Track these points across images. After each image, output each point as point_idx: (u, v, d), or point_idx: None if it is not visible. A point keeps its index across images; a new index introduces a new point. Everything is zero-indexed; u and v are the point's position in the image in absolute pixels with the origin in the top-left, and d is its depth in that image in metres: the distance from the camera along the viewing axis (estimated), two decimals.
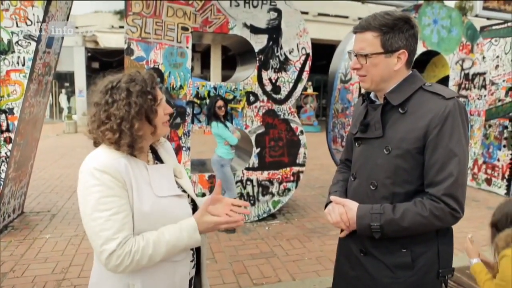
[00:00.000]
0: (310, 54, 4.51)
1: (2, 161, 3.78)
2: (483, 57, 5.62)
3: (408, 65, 1.29)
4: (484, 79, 5.63)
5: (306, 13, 13.77)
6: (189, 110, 4.27)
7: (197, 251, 1.37)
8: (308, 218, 4.77)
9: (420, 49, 5.08)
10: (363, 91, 1.43)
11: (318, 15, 14.12)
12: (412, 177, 1.23)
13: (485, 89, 5.65)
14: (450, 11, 5.28)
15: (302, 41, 4.46)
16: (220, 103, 4.13)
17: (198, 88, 4.28)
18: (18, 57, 3.69)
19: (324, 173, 7.25)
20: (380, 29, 1.22)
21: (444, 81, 5.65)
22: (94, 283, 1.24)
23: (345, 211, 1.28)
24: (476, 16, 17.14)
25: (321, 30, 13.36)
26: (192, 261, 1.32)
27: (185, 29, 4.09)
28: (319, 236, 4.15)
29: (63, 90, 18.89)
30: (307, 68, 4.53)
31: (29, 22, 3.68)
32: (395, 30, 1.22)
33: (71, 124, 14.31)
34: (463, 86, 5.62)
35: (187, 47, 4.14)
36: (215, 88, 4.35)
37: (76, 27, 17.34)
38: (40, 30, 3.72)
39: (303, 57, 4.50)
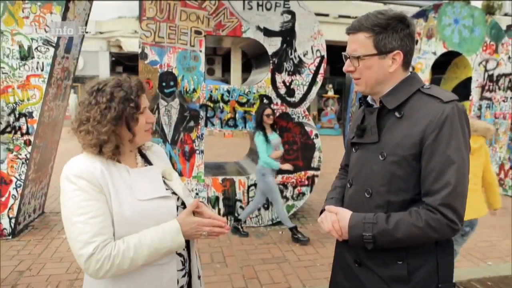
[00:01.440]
0: (325, 56, 4.45)
1: (22, 163, 3.91)
2: (509, 57, 5.39)
3: (405, 67, 1.22)
4: (510, 80, 5.39)
5: (327, 15, 13.66)
6: (202, 113, 4.29)
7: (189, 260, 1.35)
8: None
9: (440, 49, 4.93)
10: (360, 94, 1.37)
11: (338, 17, 13.96)
12: (408, 185, 1.17)
13: (511, 90, 5.42)
14: (472, 10, 5.09)
15: (317, 43, 4.40)
16: (268, 111, 4.02)
17: (211, 92, 4.30)
18: (37, 62, 3.80)
19: None
20: (373, 29, 1.16)
21: (467, 82, 5.45)
22: (90, 285, 1.24)
23: (338, 219, 1.22)
24: (506, 15, 16.51)
25: (342, 32, 13.17)
26: (182, 269, 1.30)
27: (198, 33, 4.12)
28: (333, 242, 4.04)
29: None
30: (321, 70, 4.47)
31: (47, 29, 3.79)
32: (389, 30, 1.16)
33: None
34: (486, 88, 5.41)
35: (200, 51, 4.16)
36: (228, 91, 4.35)
37: (101, 33, 17.89)
38: (58, 36, 3.82)
39: (317, 60, 4.44)
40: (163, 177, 1.32)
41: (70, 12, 3.95)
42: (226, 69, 19.79)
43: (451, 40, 4.96)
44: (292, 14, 4.29)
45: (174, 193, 1.30)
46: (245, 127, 4.45)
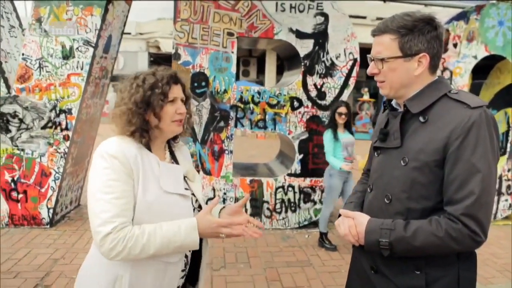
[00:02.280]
0: (358, 59, 4.36)
1: (61, 157, 4.11)
2: None
3: (432, 70, 1.18)
4: None
5: (364, 17, 13.39)
6: (232, 114, 4.33)
7: (196, 263, 1.37)
8: None
9: (482, 53, 4.70)
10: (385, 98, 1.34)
11: (376, 19, 13.64)
12: (429, 192, 1.12)
13: None
14: None
15: (350, 46, 4.33)
16: (342, 109, 3.86)
17: (242, 93, 4.33)
18: (78, 62, 4.00)
19: None
20: (398, 31, 1.13)
21: (510, 88, 5.16)
22: (85, 267, 1.28)
23: (355, 224, 1.19)
24: None
25: None
26: (183, 271, 1.32)
27: (230, 34, 4.17)
28: None
29: None
30: (354, 73, 4.38)
31: (88, 30, 3.97)
32: (415, 32, 1.12)
33: None
34: None
35: (232, 52, 4.21)
36: (259, 93, 4.37)
37: (141, 34, 18.50)
38: (98, 37, 4.00)
39: (350, 63, 4.36)
40: (186, 177, 1.35)
41: (109, 14, 4.12)
42: (261, 70, 19.86)
43: (494, 43, 4.71)
44: (325, 16, 4.24)
45: (193, 194, 1.33)
46: (275, 128, 4.45)
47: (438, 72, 4.17)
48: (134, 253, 1.13)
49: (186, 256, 1.32)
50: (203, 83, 4.23)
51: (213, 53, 4.17)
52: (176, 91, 1.28)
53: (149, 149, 1.26)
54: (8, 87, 4.01)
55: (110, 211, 1.11)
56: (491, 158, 1.07)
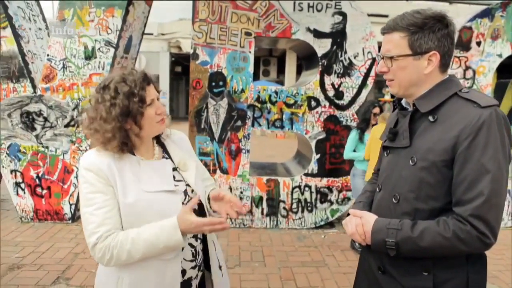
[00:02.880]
0: (377, 58, 4.30)
1: (83, 154, 4.23)
2: None
3: (443, 69, 1.16)
4: None
5: (386, 16, 13.15)
6: (249, 113, 4.35)
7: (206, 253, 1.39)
8: None
9: (507, 51, 4.55)
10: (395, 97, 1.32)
11: None
12: (437, 193, 1.11)
13: None
14: None
15: (368, 45, 4.28)
16: (377, 110, 3.85)
17: (259, 92, 4.34)
18: (99, 62, 4.11)
19: None
20: (408, 28, 1.11)
21: None
22: (98, 272, 1.34)
23: (362, 223, 1.19)
24: None
25: None
26: (192, 261, 1.33)
27: (248, 34, 4.19)
28: None
29: None
30: (372, 73, 4.33)
31: (109, 31, 4.08)
32: (425, 30, 1.10)
33: None
34: None
35: (250, 52, 4.23)
36: (276, 93, 4.37)
37: (163, 34, 18.78)
38: (118, 37, 4.10)
39: (368, 62, 4.31)
40: (177, 168, 1.35)
41: (130, 15, 4.21)
42: (281, 70, 19.83)
43: None
44: (344, 15, 4.21)
45: (188, 185, 1.34)
46: (292, 128, 4.44)
47: (460, 71, 4.05)
48: (122, 259, 1.16)
49: (193, 247, 1.34)
50: (221, 83, 4.27)
51: (230, 52, 4.21)
52: (151, 92, 1.26)
53: (132, 152, 1.26)
54: (34, 87, 4.16)
55: (94, 222, 1.15)
56: (502, 159, 1.04)
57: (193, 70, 4.24)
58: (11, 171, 4.23)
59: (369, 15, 4.58)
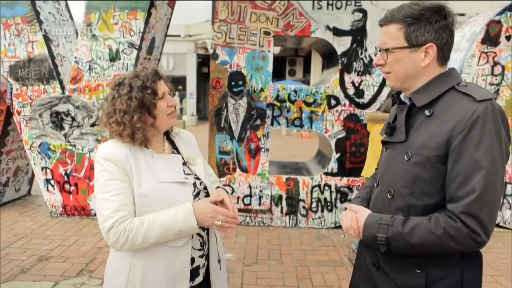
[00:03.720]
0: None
1: None
2: None
3: (442, 62, 1.13)
4: None
5: None
6: (269, 112, 4.37)
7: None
8: None
9: None
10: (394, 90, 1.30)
11: None
12: (431, 189, 1.08)
13: None
14: None
15: None
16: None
17: (278, 91, 4.35)
18: (123, 63, 4.25)
19: None
20: (404, 20, 1.09)
21: None
22: (109, 260, 1.40)
23: (356, 218, 1.18)
24: None
25: None
26: (200, 250, 1.38)
27: (267, 33, 4.21)
28: None
29: (177, 93, 20.89)
30: None
31: (132, 33, 4.21)
32: (421, 21, 1.08)
33: (179, 124, 15.77)
34: None
35: (269, 51, 4.25)
36: (295, 91, 4.37)
37: (190, 36, 19.10)
38: (141, 39, 4.23)
39: None
40: (187, 162, 1.41)
41: (152, 17, 4.33)
42: (307, 70, 19.72)
43: None
44: (364, 12, 4.15)
45: (197, 178, 1.39)
46: (311, 127, 4.43)
47: (488, 67, 3.90)
48: (136, 243, 1.21)
49: (201, 236, 1.39)
50: (240, 82, 4.31)
51: (250, 52, 4.24)
52: (162, 86, 1.34)
53: (145, 145, 1.33)
54: (62, 88, 4.36)
55: (110, 207, 1.21)
56: (497, 155, 1.01)
57: (213, 69, 4.31)
58: (42, 168, 4.45)
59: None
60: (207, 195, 1.41)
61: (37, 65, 4.32)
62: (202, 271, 1.42)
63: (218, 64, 4.27)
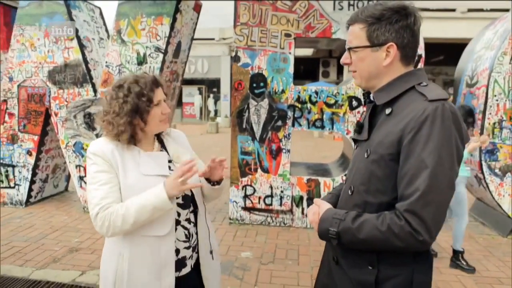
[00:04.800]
0: (423, 55, 4.11)
1: None
2: None
3: (405, 61, 1.14)
4: None
5: (453, 10, 12.31)
6: (290, 113, 4.41)
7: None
8: None
9: None
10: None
11: (468, 11, 12.43)
12: (385, 187, 1.10)
13: None
14: None
15: None
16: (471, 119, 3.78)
17: (299, 92, 4.38)
18: (150, 67, 4.45)
19: None
20: (366, 20, 1.12)
21: None
22: (103, 250, 1.51)
23: (318, 211, 1.21)
24: None
25: (473, 28, 11.73)
26: (186, 241, 1.46)
27: (288, 35, 4.26)
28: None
29: (211, 95, 21.32)
30: None
31: (158, 38, 4.40)
32: (382, 21, 1.10)
33: (213, 125, 16.08)
34: None
35: (290, 53, 4.29)
36: (316, 93, 4.38)
37: (224, 39, 19.43)
38: (167, 43, 4.41)
39: None
40: (172, 160, 1.50)
41: (177, 22, 4.51)
42: (341, 71, 19.46)
43: None
44: None
45: None
46: (332, 128, 4.41)
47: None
48: (117, 225, 1.31)
49: (186, 228, 1.47)
50: (262, 84, 4.38)
51: (271, 54, 4.31)
52: (159, 94, 1.43)
53: (134, 143, 1.44)
54: (95, 91, 4.63)
55: (98, 196, 1.32)
56: (445, 154, 1.01)
57: (235, 72, 4.42)
58: (76, 166, 4.75)
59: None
60: (192, 194, 1.51)
61: (72, 69, 4.62)
62: (190, 262, 1.50)
63: (240, 67, 4.37)
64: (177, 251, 1.45)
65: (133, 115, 1.38)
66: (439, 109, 1.01)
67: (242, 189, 4.56)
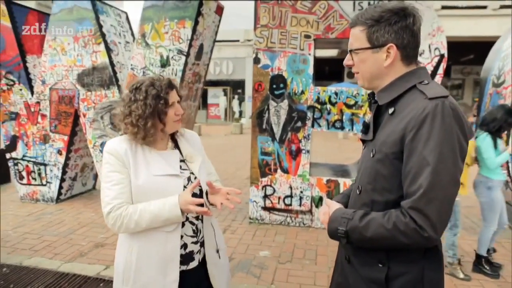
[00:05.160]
0: (445, 55, 4.03)
1: None
2: None
3: (407, 61, 1.17)
4: None
5: (484, 7, 11.88)
6: (309, 114, 4.42)
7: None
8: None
9: None
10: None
11: (500, 7, 11.97)
12: (391, 185, 1.12)
13: None
14: None
15: (435, 41, 4.03)
16: None
17: (319, 93, 4.39)
18: (172, 69, 4.59)
19: None
20: (366, 22, 1.15)
21: None
22: (117, 243, 1.60)
23: (328, 212, 1.25)
24: None
25: (504, 25, 11.29)
26: (193, 237, 1.53)
27: (307, 36, 4.28)
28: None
29: (236, 96, 21.49)
30: (440, 71, 4.06)
31: (181, 41, 4.53)
32: (381, 23, 1.12)
33: (237, 126, 16.21)
34: None
35: (309, 54, 4.31)
36: (336, 94, 4.37)
37: (249, 40, 19.55)
38: (189, 46, 4.53)
39: (436, 59, 4.06)
40: (185, 159, 1.56)
41: (199, 25, 4.62)
42: None
43: None
44: None
45: (192, 173, 1.55)
46: (352, 129, 4.39)
47: None
48: (130, 227, 1.40)
49: (194, 224, 1.54)
50: (281, 85, 4.42)
51: (290, 55, 4.34)
52: (173, 96, 1.50)
53: (152, 143, 1.50)
54: (120, 92, 4.81)
55: (110, 195, 1.40)
56: (447, 151, 1.02)
57: (255, 73, 4.47)
58: None
59: (442, 7, 4.30)
60: (200, 188, 1.56)
61: (99, 72, 4.82)
62: (198, 257, 1.56)
63: (260, 68, 4.43)
64: (185, 246, 1.52)
65: (154, 117, 1.45)
66: (439, 107, 1.03)
67: (262, 189, 4.61)
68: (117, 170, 1.44)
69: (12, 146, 5.30)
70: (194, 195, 1.51)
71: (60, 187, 5.27)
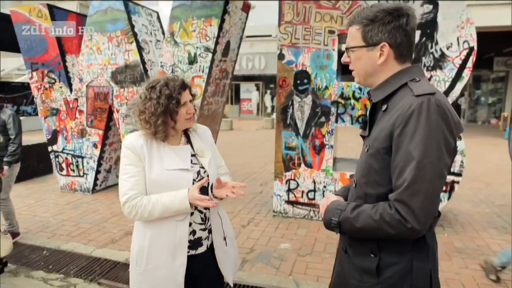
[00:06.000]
0: (475, 47, 3.91)
1: None
2: None
3: (401, 60, 1.20)
4: None
5: None
6: (333, 109, 4.44)
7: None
8: (462, 236, 4.16)
9: None
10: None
11: None
12: (382, 179, 1.17)
13: None
14: None
15: (464, 33, 3.91)
16: None
17: (343, 89, 4.39)
18: (200, 66, 4.74)
19: None
20: (361, 22, 1.20)
21: None
22: (133, 229, 1.72)
23: (326, 204, 1.32)
24: None
25: None
26: (202, 224, 1.65)
27: (331, 32, 4.28)
28: (464, 258, 3.61)
29: (268, 91, 21.56)
30: (469, 64, 3.94)
31: (207, 38, 4.67)
32: (376, 22, 1.17)
33: (268, 121, 16.30)
34: None
35: (333, 49, 4.31)
36: (360, 89, 4.35)
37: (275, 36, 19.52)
38: (215, 43, 4.66)
39: (464, 52, 3.94)
40: (196, 154, 1.67)
41: (226, 23, 4.74)
42: None
43: None
44: (434, 4, 3.94)
45: (203, 167, 1.65)
46: None
47: None
48: (144, 216, 1.53)
49: (202, 212, 1.65)
50: (305, 81, 4.46)
51: (314, 51, 4.36)
52: (185, 96, 1.61)
53: (165, 139, 1.62)
54: None
55: (126, 186, 1.54)
56: (432, 146, 1.05)
57: (279, 69, 4.54)
58: None
59: None
60: (208, 182, 1.67)
61: (131, 70, 5.07)
62: (206, 243, 1.69)
63: (284, 64, 4.49)
64: (194, 232, 1.64)
65: (165, 115, 1.56)
66: (424, 104, 1.07)
67: (286, 183, 4.68)
68: (133, 164, 1.56)
69: (53, 140, 5.70)
70: (202, 187, 1.62)
71: (96, 179, 5.60)
